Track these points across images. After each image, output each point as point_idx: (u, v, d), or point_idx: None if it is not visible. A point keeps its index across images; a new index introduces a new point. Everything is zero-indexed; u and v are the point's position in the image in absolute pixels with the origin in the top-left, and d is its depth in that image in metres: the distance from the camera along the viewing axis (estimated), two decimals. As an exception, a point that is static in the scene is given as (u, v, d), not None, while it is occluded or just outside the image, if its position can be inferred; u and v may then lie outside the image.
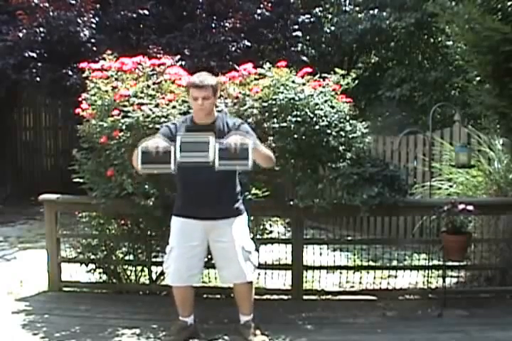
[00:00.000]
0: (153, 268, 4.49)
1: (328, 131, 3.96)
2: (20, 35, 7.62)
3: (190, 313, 3.63)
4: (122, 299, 4.42)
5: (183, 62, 6.93)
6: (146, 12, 8.11)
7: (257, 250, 3.84)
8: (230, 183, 3.51)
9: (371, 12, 9.86)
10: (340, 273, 4.66)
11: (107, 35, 7.94)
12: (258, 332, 3.58)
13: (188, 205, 3.48)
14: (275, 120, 3.92)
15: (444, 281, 4.13)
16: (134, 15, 8.07)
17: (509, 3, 4.00)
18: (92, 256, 4.47)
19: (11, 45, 7.69)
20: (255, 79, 4.18)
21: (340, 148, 4.05)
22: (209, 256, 3.70)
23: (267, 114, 3.96)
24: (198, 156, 3.07)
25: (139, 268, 4.56)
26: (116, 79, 4.23)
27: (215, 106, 3.54)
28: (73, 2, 7.75)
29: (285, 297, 4.42)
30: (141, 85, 4.14)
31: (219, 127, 3.43)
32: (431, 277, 4.44)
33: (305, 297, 4.38)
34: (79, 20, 7.72)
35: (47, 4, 7.65)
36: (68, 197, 4.49)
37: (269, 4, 8.90)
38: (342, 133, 4.03)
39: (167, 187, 3.88)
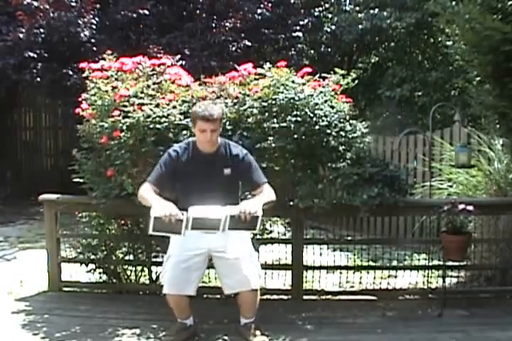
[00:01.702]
0: (153, 268, 4.49)
1: (328, 131, 3.96)
2: (21, 35, 7.63)
3: (188, 316, 3.61)
4: (122, 299, 4.43)
5: (184, 62, 6.94)
6: (146, 12, 8.11)
7: (257, 250, 3.84)
8: (232, 198, 3.49)
9: (371, 12, 9.86)
10: (340, 273, 4.66)
11: (107, 35, 7.94)
12: (258, 332, 3.57)
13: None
14: (275, 120, 3.92)
15: (444, 281, 4.13)
16: (134, 15, 8.07)
17: (509, 3, 3.99)
18: (92, 256, 4.48)
19: (11, 45, 7.69)
20: (255, 79, 4.18)
21: (340, 148, 4.05)
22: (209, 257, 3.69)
23: (266, 113, 3.96)
24: (209, 228, 3.22)
25: (139, 268, 4.56)
26: (116, 79, 4.23)
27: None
28: (73, 4, 7.75)
29: (285, 297, 4.42)
30: (141, 85, 4.13)
31: (222, 156, 3.45)
32: (431, 277, 4.43)
33: (305, 297, 4.38)
34: (79, 21, 7.72)
35: (47, 6, 7.65)
36: (68, 197, 4.49)
37: (269, 4, 8.91)
38: (342, 133, 4.03)
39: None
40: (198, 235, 3.38)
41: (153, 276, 4.52)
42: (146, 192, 3.40)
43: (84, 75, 4.35)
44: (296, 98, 3.91)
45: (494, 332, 3.65)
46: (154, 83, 4.22)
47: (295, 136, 3.89)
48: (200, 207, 3.23)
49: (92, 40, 7.87)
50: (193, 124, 3.49)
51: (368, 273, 4.58)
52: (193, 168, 3.45)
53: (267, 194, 3.44)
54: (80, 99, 4.26)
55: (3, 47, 7.72)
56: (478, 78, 4.53)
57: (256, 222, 3.18)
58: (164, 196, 3.40)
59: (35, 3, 7.64)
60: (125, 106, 3.98)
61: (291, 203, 4.03)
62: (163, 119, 3.90)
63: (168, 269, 3.45)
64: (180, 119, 3.93)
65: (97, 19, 7.97)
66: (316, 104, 3.95)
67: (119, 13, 8.16)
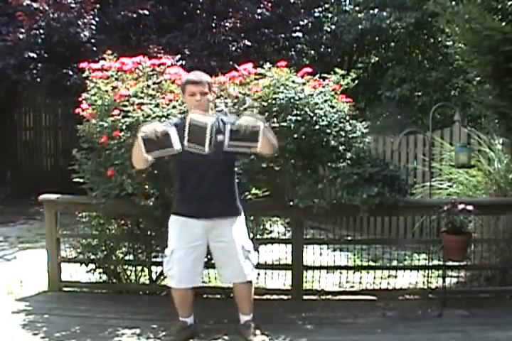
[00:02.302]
0: (153, 268, 4.49)
1: (328, 131, 3.96)
2: (21, 36, 7.63)
3: (190, 314, 3.63)
4: (122, 299, 4.42)
5: (184, 62, 6.95)
6: (146, 12, 8.11)
7: (257, 250, 3.84)
8: (229, 181, 3.52)
9: (371, 12, 9.87)
10: (340, 273, 4.66)
11: (107, 36, 7.95)
12: (258, 332, 3.57)
13: (187, 203, 3.48)
14: (275, 119, 3.91)
15: (444, 281, 4.13)
16: (134, 16, 8.08)
17: (509, 3, 4.00)
18: (92, 256, 4.47)
19: (11, 46, 7.70)
20: (255, 79, 4.18)
21: (340, 147, 4.05)
22: (209, 256, 3.70)
23: (266, 113, 3.96)
24: (200, 142, 3.11)
25: (139, 268, 4.56)
26: (116, 79, 4.23)
27: (215, 106, 3.54)
28: (73, 5, 7.74)
29: (285, 297, 4.42)
30: (141, 85, 4.13)
31: (215, 125, 3.40)
32: (431, 277, 4.43)
33: (305, 297, 4.38)
34: (79, 22, 7.73)
35: (46, 7, 7.65)
36: (68, 197, 4.49)
37: (269, 4, 8.91)
38: (342, 133, 4.03)
39: (167, 187, 3.88)
40: (196, 226, 3.41)
41: (153, 276, 4.52)
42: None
43: (84, 75, 4.35)
44: (296, 98, 3.91)
45: (494, 332, 3.64)
46: (154, 83, 4.22)
47: (295, 136, 3.88)
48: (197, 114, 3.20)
49: (92, 41, 7.88)
50: (183, 94, 3.54)
51: (368, 273, 4.58)
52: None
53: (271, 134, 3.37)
54: (80, 99, 4.26)
55: (3, 48, 7.73)
56: (478, 78, 4.54)
57: (257, 136, 3.13)
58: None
59: (35, 5, 7.64)
60: (125, 105, 3.98)
61: (291, 203, 4.03)
62: (163, 119, 3.90)
63: (175, 263, 3.47)
64: (180, 119, 3.93)
65: (96, 19, 7.97)
66: (316, 103, 3.95)
67: (118, 13, 8.17)
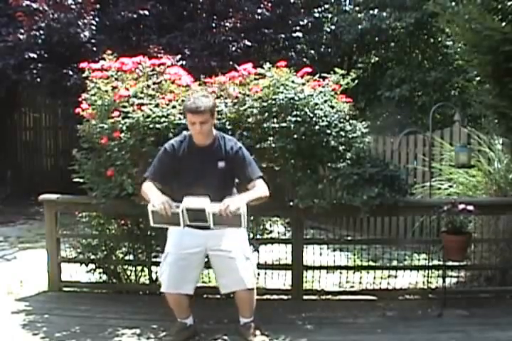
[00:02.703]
0: (153, 268, 4.48)
1: (328, 131, 3.96)
2: (21, 37, 7.63)
3: (188, 315, 3.61)
4: (122, 299, 4.42)
5: (184, 62, 6.95)
6: (147, 12, 8.11)
7: (257, 250, 3.84)
8: (227, 191, 3.48)
9: (371, 12, 9.87)
10: (340, 273, 4.66)
11: (107, 36, 7.95)
12: (258, 332, 3.57)
13: None
14: (275, 120, 3.92)
15: (444, 281, 4.13)
16: (135, 16, 8.07)
17: (509, 3, 4.00)
18: (92, 256, 4.48)
19: (11, 46, 7.69)
20: (255, 79, 4.18)
21: (340, 148, 4.05)
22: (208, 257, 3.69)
23: (266, 113, 3.96)
24: (202, 221, 3.23)
25: (139, 268, 4.56)
26: (116, 79, 4.23)
27: (214, 127, 3.52)
28: (73, 6, 7.74)
29: (285, 297, 4.42)
30: (141, 85, 4.13)
31: (217, 149, 3.46)
32: (431, 277, 4.43)
33: (305, 297, 4.38)
34: (79, 22, 7.72)
35: (46, 7, 7.65)
36: (68, 197, 4.49)
37: (269, 4, 8.91)
38: (342, 133, 4.03)
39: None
40: (195, 233, 3.40)
41: (153, 276, 4.51)
42: (147, 187, 3.43)
43: (84, 75, 4.35)
44: (296, 98, 3.91)
45: (494, 332, 3.65)
46: (154, 83, 4.22)
47: (295, 136, 3.89)
48: (194, 198, 3.24)
49: (92, 41, 7.87)
50: (184, 117, 3.52)
51: (368, 273, 4.58)
52: (188, 161, 3.45)
53: (257, 189, 3.40)
54: (80, 99, 4.26)
55: (3, 48, 7.72)
56: (478, 78, 4.54)
57: (239, 219, 3.16)
58: (163, 190, 3.41)
59: (35, 5, 7.64)
60: (125, 106, 3.98)
61: (291, 203, 4.03)
62: (163, 119, 3.90)
63: (167, 268, 3.47)
64: (180, 119, 3.92)
65: (96, 20, 7.97)
66: (316, 103, 3.95)
67: (119, 13, 8.17)
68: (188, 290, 3.48)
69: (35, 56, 7.74)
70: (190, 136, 3.51)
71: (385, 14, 9.60)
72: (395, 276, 4.73)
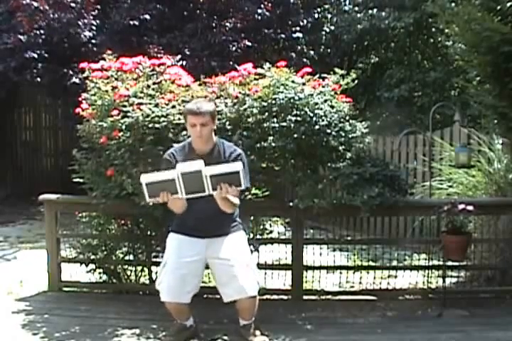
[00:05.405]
0: (153, 268, 4.48)
1: (328, 131, 3.96)
2: (21, 37, 7.63)
3: (188, 317, 3.60)
4: (122, 299, 4.43)
5: (184, 62, 6.94)
6: (147, 17, 8.09)
7: (257, 250, 3.84)
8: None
9: (370, 12, 9.87)
10: (340, 273, 4.66)
11: (107, 36, 7.94)
12: (258, 332, 3.57)
13: (187, 227, 3.47)
14: (275, 120, 3.92)
15: (444, 281, 4.13)
16: (136, 23, 8.04)
17: (509, 4, 4.00)
18: (92, 256, 4.47)
19: (12, 48, 7.69)
20: (255, 79, 4.18)
21: (340, 148, 4.05)
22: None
23: (266, 113, 3.96)
24: (197, 188, 3.15)
25: (139, 268, 4.56)
26: (116, 79, 4.24)
27: (214, 133, 3.51)
28: (73, 5, 7.74)
29: (285, 297, 4.42)
30: (141, 85, 4.14)
31: (216, 156, 3.44)
32: (431, 277, 4.43)
33: (305, 297, 4.38)
34: (79, 22, 7.72)
35: (47, 7, 7.65)
36: (68, 197, 4.49)
37: (269, 4, 8.91)
38: (342, 133, 4.03)
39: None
40: (194, 241, 3.41)
41: (153, 276, 4.51)
42: None
43: (84, 75, 4.36)
44: (296, 98, 3.91)
45: (494, 332, 3.65)
46: (154, 83, 4.22)
47: (295, 136, 3.89)
48: (186, 162, 3.20)
49: (93, 41, 7.87)
50: (185, 122, 3.50)
51: (367, 273, 4.58)
52: None
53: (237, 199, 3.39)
54: (80, 99, 4.27)
55: (3, 50, 7.72)
56: (477, 78, 4.54)
57: (238, 178, 3.13)
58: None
59: (35, 4, 7.64)
60: (125, 106, 3.99)
61: (291, 203, 4.03)
62: (162, 119, 3.90)
63: (165, 277, 3.43)
64: (179, 119, 3.92)
65: (97, 20, 7.96)
66: (316, 103, 3.95)
67: (120, 16, 8.15)
68: (186, 300, 3.46)
69: (36, 56, 7.74)
70: (190, 143, 3.50)
71: (384, 14, 9.60)
72: (395, 276, 4.74)
